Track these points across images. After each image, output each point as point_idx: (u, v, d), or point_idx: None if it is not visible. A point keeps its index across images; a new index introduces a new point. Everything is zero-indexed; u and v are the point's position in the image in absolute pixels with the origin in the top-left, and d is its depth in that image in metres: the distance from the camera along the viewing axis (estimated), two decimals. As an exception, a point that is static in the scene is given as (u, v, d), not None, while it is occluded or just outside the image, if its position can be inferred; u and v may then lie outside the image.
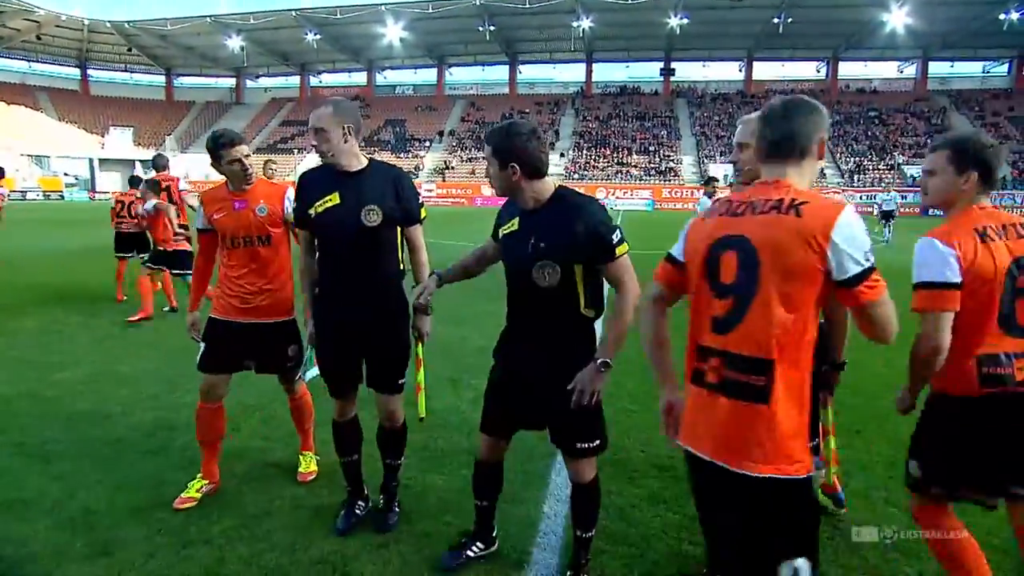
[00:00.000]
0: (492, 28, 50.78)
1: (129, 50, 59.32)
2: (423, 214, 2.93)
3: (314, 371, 3.34)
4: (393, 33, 51.83)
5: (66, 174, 49.05)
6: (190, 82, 67.05)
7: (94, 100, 61.39)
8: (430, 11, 48.39)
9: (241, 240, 3.12)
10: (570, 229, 2.25)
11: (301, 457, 3.53)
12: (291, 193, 3.05)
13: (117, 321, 7.19)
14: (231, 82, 65.76)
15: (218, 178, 3.30)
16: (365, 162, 2.81)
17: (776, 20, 46.43)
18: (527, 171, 2.28)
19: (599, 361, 2.24)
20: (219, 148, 3.04)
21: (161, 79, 65.67)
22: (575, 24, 49.41)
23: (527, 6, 47.30)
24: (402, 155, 52.44)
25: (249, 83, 66.22)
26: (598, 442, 2.43)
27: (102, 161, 51.62)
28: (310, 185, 2.81)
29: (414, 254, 2.94)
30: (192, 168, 42.71)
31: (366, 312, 2.80)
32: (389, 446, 3.06)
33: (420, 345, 2.91)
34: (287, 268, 3.26)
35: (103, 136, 56.59)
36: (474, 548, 2.72)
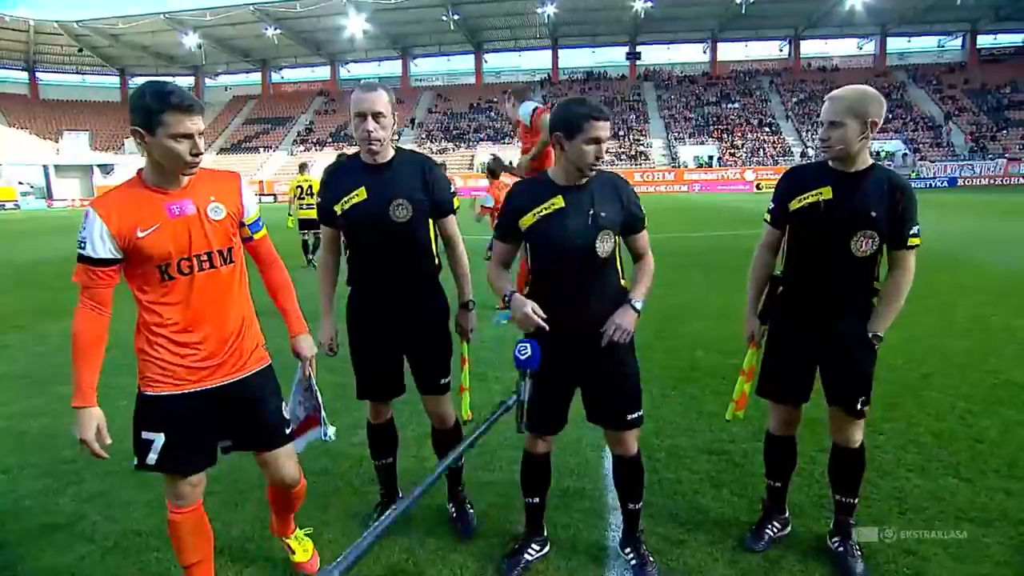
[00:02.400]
0: (456, 17, 50.29)
1: (80, 51, 57.13)
2: (456, 204, 2.72)
3: (331, 431, 2.62)
4: (355, 25, 50.94)
5: (20, 182, 47.17)
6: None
7: (45, 104, 59.15)
8: (393, 2, 47.62)
9: (195, 262, 2.02)
10: (619, 200, 2.35)
11: (289, 543, 2.60)
12: (246, 184, 2.23)
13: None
14: (190, 81, 63.85)
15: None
16: (392, 152, 2.59)
17: (739, 1, 46.82)
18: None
19: (633, 303, 2.34)
20: (165, 109, 1.87)
21: (115, 80, 63.47)
22: (540, 10, 49.18)
23: (491, -6, 46.92)
24: (371, 149, 51.69)
25: (208, 81, 64.54)
26: (641, 412, 2.48)
27: (58, 167, 49.81)
28: (335, 180, 2.62)
29: (450, 247, 2.74)
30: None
31: (403, 311, 2.62)
32: (444, 449, 2.89)
33: (465, 343, 2.79)
34: (247, 291, 2.23)
35: (57, 141, 54.58)
36: (531, 550, 2.61)
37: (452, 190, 2.71)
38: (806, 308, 2.50)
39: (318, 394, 2.53)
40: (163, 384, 2.05)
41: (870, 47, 57.35)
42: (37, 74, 60.64)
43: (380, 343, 2.68)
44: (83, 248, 1.94)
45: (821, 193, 2.38)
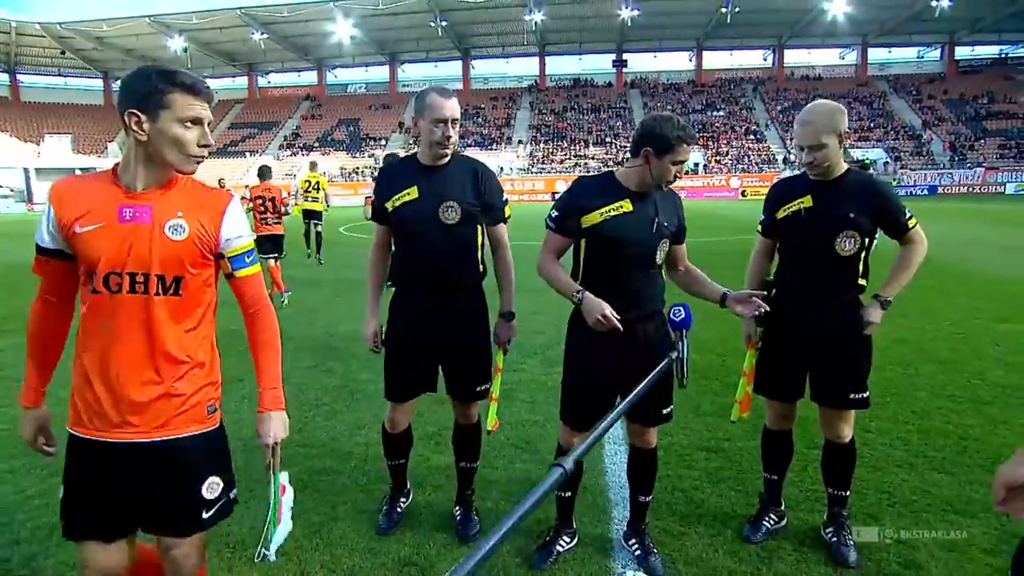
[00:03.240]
0: (444, 24, 50.43)
1: (62, 53, 56.44)
2: (507, 212, 2.75)
3: (279, 537, 1.89)
4: (343, 31, 50.89)
5: (0, 186, 46.48)
6: (130, 86, 64.32)
7: (26, 107, 58.37)
8: (380, 7, 47.62)
9: (124, 281, 1.65)
10: (677, 213, 2.55)
11: None
12: (237, 208, 1.79)
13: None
14: (174, 84, 63.39)
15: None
16: (448, 156, 2.65)
17: (724, 10, 47.45)
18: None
19: (725, 293, 2.48)
20: (174, 88, 1.61)
21: (99, 83, 62.84)
22: (527, 18, 49.48)
23: (479, 1, 47.08)
24: (357, 154, 51.62)
25: (194, 85, 63.98)
26: (672, 408, 2.61)
27: (39, 171, 49.08)
28: (390, 177, 2.68)
29: (498, 254, 2.77)
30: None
31: (444, 314, 2.65)
32: (464, 445, 2.93)
33: (502, 353, 2.82)
34: (210, 337, 1.82)
35: (38, 144, 53.85)
36: (561, 542, 2.70)
37: (504, 198, 2.74)
38: (797, 307, 2.64)
39: (280, 491, 1.88)
40: (76, 424, 1.71)
41: (852, 57, 58.33)
42: (18, 76, 59.82)
43: (420, 344, 2.68)
44: (37, 232, 1.70)
45: (803, 202, 2.60)
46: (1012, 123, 47.52)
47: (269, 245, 8.38)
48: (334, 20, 49.60)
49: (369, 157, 50.54)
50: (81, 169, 50.35)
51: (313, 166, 13.43)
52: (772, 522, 2.83)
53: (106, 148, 53.84)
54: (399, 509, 2.96)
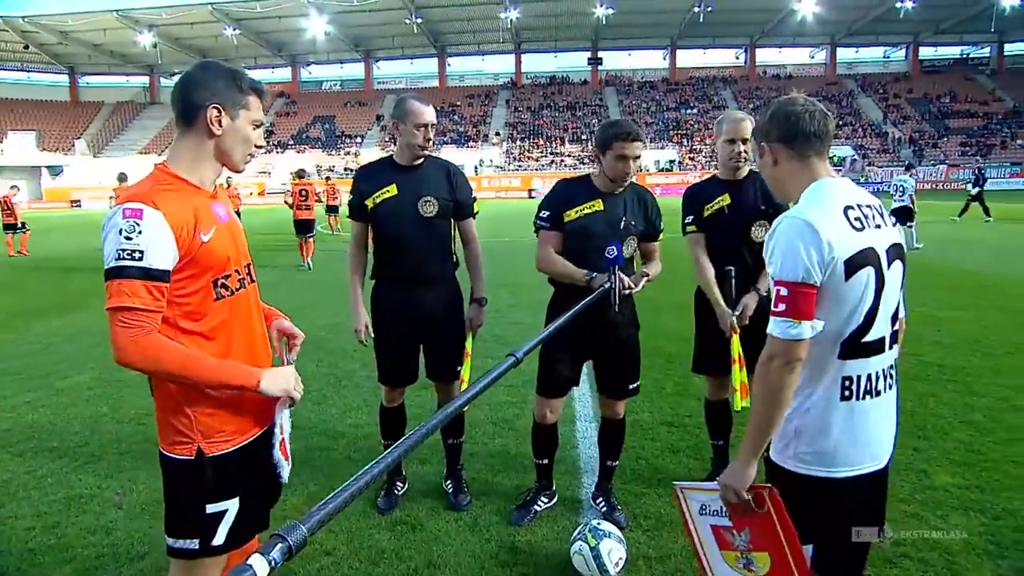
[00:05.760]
0: (419, 21, 50.36)
1: (26, 47, 55.04)
2: (476, 208, 3.06)
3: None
4: (317, 27, 50.55)
5: (-38, 184, 45.31)
6: (98, 81, 63.01)
7: (-12, 103, 56.85)
8: (355, 4, 47.45)
9: (244, 275, 1.73)
10: (645, 212, 2.88)
11: None
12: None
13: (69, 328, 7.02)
14: (144, 80, 62.34)
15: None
16: (423, 157, 2.94)
17: (697, 9, 48.18)
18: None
19: (640, 276, 2.82)
20: (251, 91, 1.70)
21: (64, 79, 61.39)
22: (503, 15, 49.64)
23: (455, -2, 47.20)
24: (332, 152, 51.37)
25: (164, 81, 62.90)
26: (639, 383, 2.97)
27: (2, 168, 47.94)
28: (367, 177, 2.96)
29: (469, 246, 3.06)
30: (107, 175, 40.13)
31: (423, 301, 2.92)
32: (449, 422, 3.23)
33: (471, 337, 3.06)
34: None
35: (1, 142, 52.53)
36: (540, 502, 3.02)
37: (473, 195, 3.06)
38: (725, 291, 3.02)
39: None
40: (229, 440, 1.65)
41: (821, 56, 59.68)
42: (-21, 71, 58.33)
43: (403, 332, 2.97)
44: (139, 259, 1.46)
45: (722, 200, 3.03)
46: (972, 122, 49.18)
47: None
48: (308, 16, 49.25)
49: (346, 155, 50.36)
50: (47, 167, 49.45)
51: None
52: None
53: (73, 145, 52.77)
54: (396, 492, 3.19)
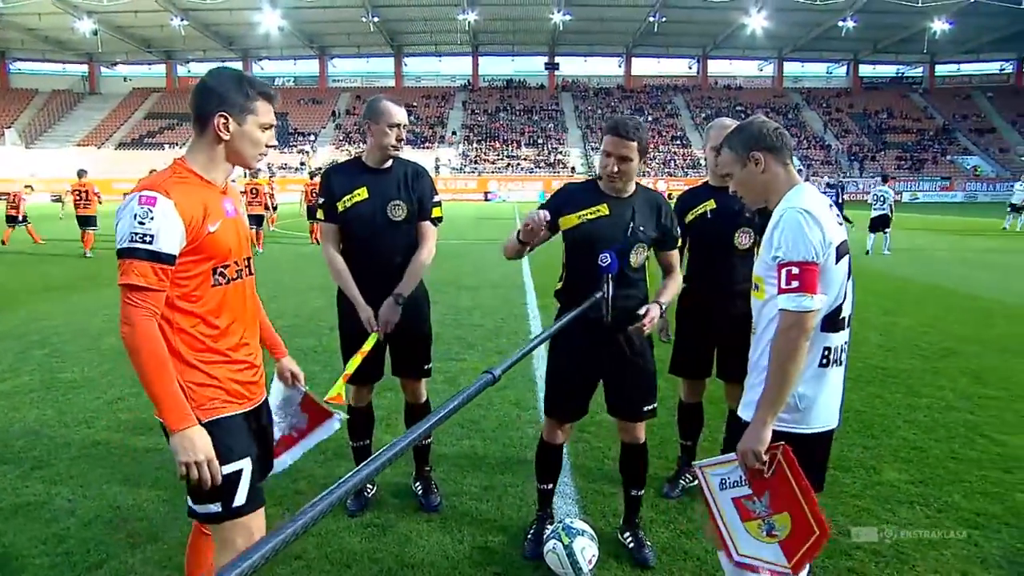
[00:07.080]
0: (376, 19, 49.78)
1: (-49, 30, 51.89)
2: (437, 212, 3.00)
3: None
4: (271, 21, 49.31)
5: None
6: (31, 68, 59.70)
7: (-95, 88, 53.25)
8: (309, 0, 46.57)
9: (243, 267, 1.90)
10: (657, 218, 2.67)
11: None
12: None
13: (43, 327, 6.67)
14: (83, 69, 59.51)
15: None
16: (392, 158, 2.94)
17: (652, 19, 49.22)
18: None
19: (659, 300, 2.65)
20: (259, 96, 1.82)
21: (-5, 65, 58.10)
22: (460, 17, 49.55)
23: (412, -2, 46.85)
24: (285, 150, 50.22)
25: (105, 71, 60.31)
26: (655, 405, 2.73)
27: (-79, 157, 44.99)
28: (337, 180, 2.92)
29: (420, 245, 2.95)
30: (40, 166, 38.10)
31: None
32: (415, 422, 3.19)
33: (373, 335, 2.83)
34: None
35: (-78, 127, 49.35)
36: (547, 530, 2.71)
37: (436, 199, 3.03)
38: (704, 295, 3.11)
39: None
40: (228, 405, 1.80)
41: (769, 69, 61.85)
42: (-100, 53, 54.57)
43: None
44: (149, 242, 1.62)
45: (707, 205, 3.09)
46: (907, 137, 51.93)
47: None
48: (260, 10, 47.99)
49: (299, 152, 49.31)
50: (-23, 157, 46.55)
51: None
52: (687, 480, 3.29)
53: (2, 134, 49.91)
54: (367, 494, 3.16)
